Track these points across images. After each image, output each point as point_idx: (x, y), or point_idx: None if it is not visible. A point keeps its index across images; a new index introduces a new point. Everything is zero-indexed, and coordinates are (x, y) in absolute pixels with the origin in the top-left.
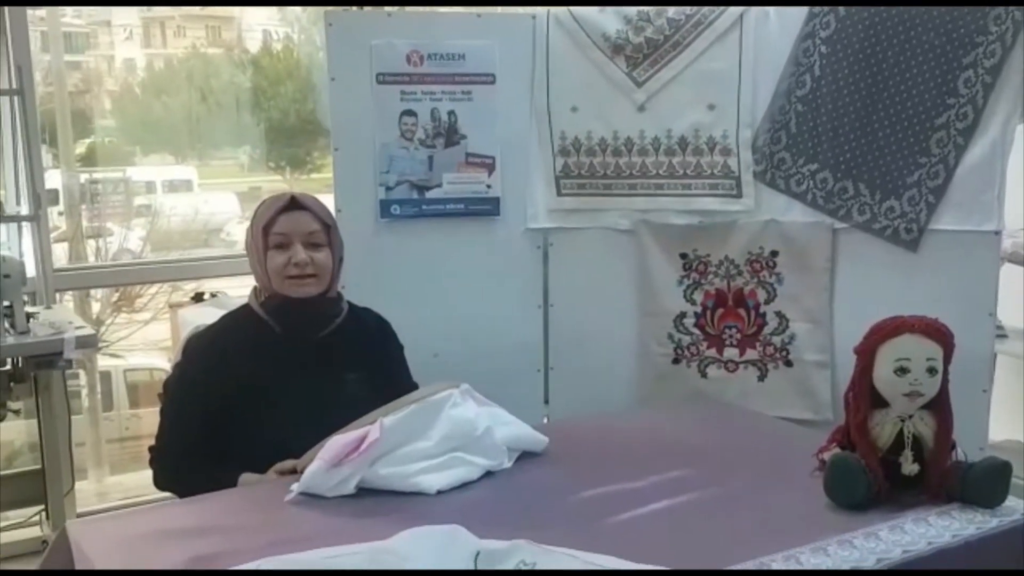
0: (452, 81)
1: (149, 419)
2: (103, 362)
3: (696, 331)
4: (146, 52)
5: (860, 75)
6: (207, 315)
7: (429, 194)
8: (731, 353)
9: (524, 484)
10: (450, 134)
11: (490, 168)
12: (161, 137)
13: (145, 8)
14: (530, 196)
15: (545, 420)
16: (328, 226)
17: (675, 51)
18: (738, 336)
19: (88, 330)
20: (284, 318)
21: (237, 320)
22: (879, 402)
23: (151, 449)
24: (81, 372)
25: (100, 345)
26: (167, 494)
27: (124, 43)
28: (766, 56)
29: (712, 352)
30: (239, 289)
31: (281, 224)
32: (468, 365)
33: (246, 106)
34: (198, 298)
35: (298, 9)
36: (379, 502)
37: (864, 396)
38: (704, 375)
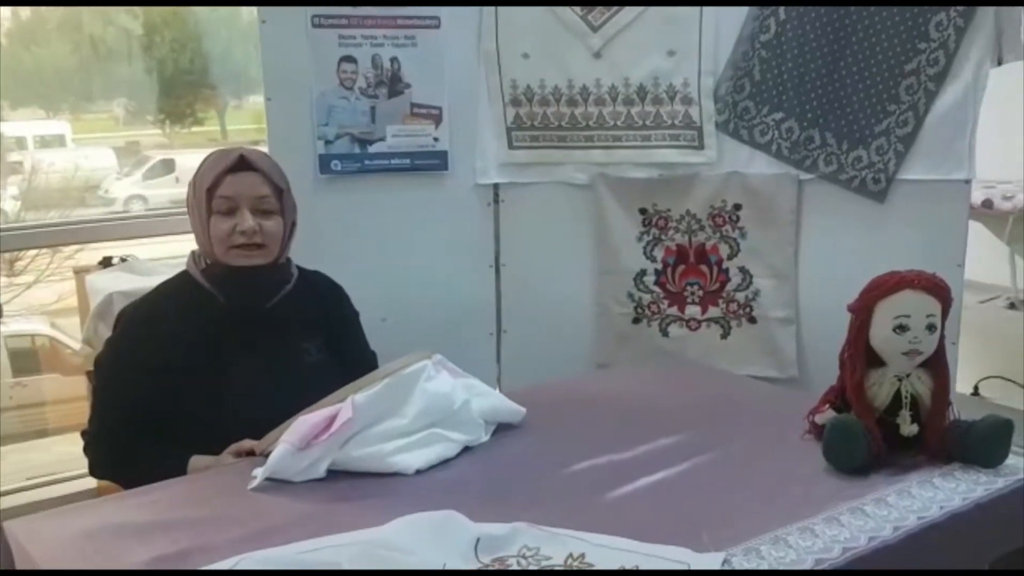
0: (394, 24)
1: (35, 387)
2: None
3: (657, 289)
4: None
5: (827, 19)
6: (120, 281)
7: (372, 148)
8: (693, 311)
9: (507, 459)
10: (393, 83)
11: (437, 120)
12: (31, 90)
13: None
14: (480, 149)
15: (497, 387)
16: (281, 190)
17: None
18: (700, 293)
19: None
20: (229, 288)
21: (176, 289)
22: (874, 361)
23: (84, 434)
24: None
25: None
26: (81, 471)
27: None
28: None
29: (674, 310)
30: (144, 251)
31: (227, 186)
32: (417, 329)
33: (121, 56)
34: (106, 263)
35: None
36: (353, 485)
37: (860, 355)
38: (666, 334)
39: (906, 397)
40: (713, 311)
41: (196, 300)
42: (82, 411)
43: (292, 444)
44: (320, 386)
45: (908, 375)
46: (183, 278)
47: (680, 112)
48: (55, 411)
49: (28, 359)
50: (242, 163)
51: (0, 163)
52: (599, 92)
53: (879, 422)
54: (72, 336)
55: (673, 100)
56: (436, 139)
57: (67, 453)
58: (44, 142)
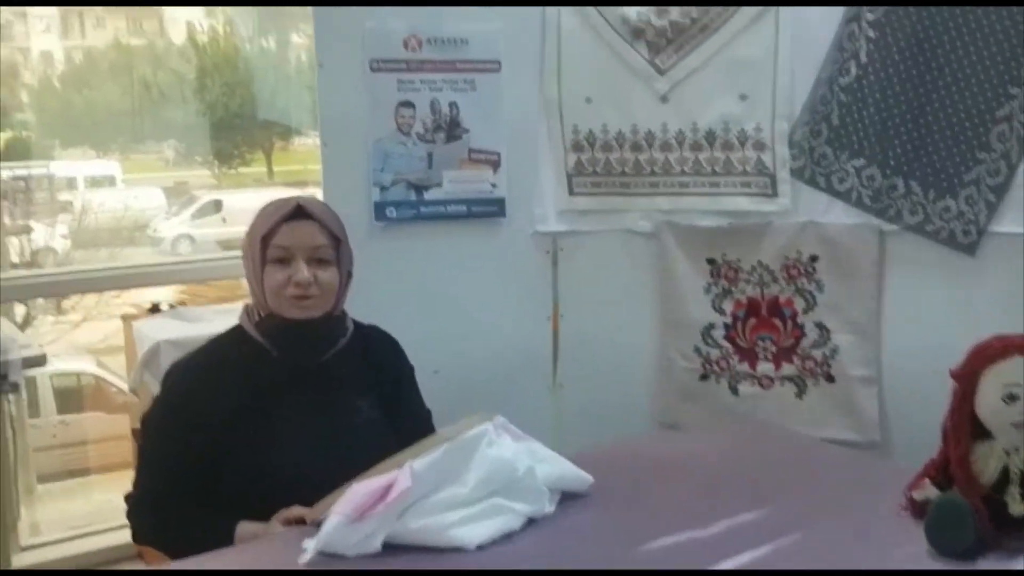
0: (454, 69)
1: (77, 426)
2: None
3: (726, 343)
4: (65, 44)
5: (912, 61)
6: (168, 329)
7: (428, 194)
8: (765, 368)
9: (575, 533)
10: (451, 128)
11: (495, 165)
12: (82, 131)
13: None
14: (539, 196)
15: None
16: (338, 240)
17: (703, 35)
18: (773, 349)
19: (35, 349)
20: (281, 341)
21: (227, 344)
22: (980, 432)
23: (128, 498)
24: None
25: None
26: (122, 523)
27: (41, 35)
28: (805, 41)
29: (744, 367)
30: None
31: (283, 235)
32: (470, 382)
33: (171, 99)
34: (155, 309)
35: None
36: (412, 560)
37: (965, 426)
38: (735, 392)
39: (1016, 473)
40: (787, 368)
41: (247, 355)
42: (125, 450)
43: (346, 515)
44: (372, 447)
45: (1018, 449)
46: (235, 332)
47: (752, 158)
48: (98, 450)
49: (73, 397)
50: (299, 212)
51: (51, 203)
52: (665, 137)
53: (985, 500)
54: (118, 375)
55: (744, 145)
56: (494, 185)
57: (108, 502)
58: (95, 182)
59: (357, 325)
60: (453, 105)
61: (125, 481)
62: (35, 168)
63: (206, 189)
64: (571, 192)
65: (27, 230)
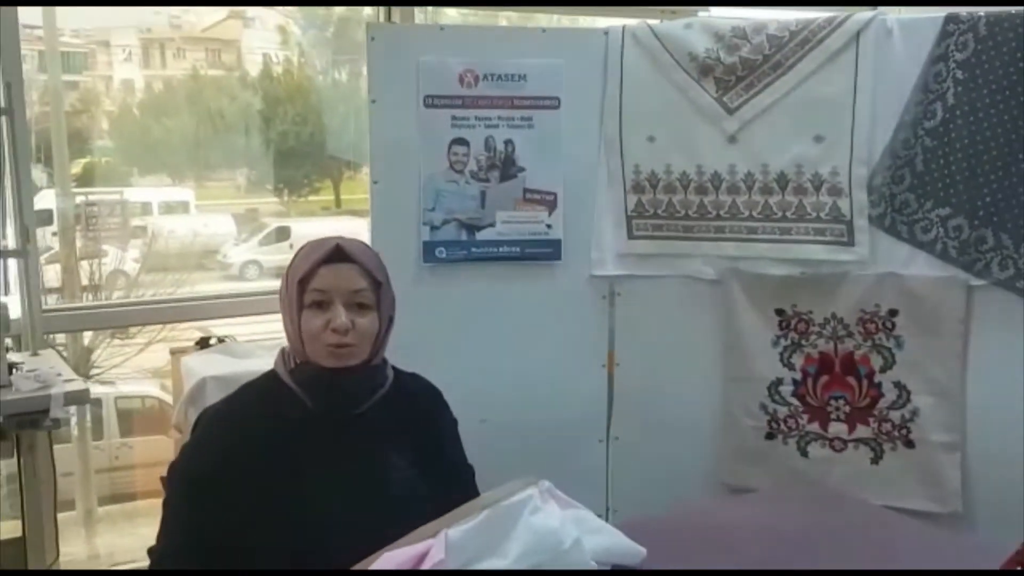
0: (511, 105)
1: (140, 448)
2: (94, 389)
3: (795, 401)
4: (145, 73)
5: (1003, 104)
6: (215, 364)
7: (480, 235)
8: (838, 429)
9: None
10: (506, 166)
11: (551, 206)
12: (159, 158)
13: (145, 29)
14: (596, 238)
15: (608, 504)
16: (379, 283)
17: (776, 73)
18: (847, 409)
19: (78, 384)
20: (316, 390)
21: (260, 392)
22: None
23: (151, 552)
24: None
25: (91, 372)
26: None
27: (123, 64)
28: (887, 80)
29: (814, 427)
30: (245, 327)
31: (321, 279)
32: (518, 433)
33: (245, 128)
34: (203, 343)
35: (299, 33)
36: None
37: None
38: (805, 454)
39: None
40: (862, 431)
41: (281, 405)
42: None
43: None
44: (409, 506)
45: None
46: (269, 380)
47: (827, 204)
48: (156, 473)
49: (138, 420)
50: (338, 254)
51: (124, 227)
52: (733, 179)
53: None
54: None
55: (819, 190)
56: (549, 226)
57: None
58: (169, 208)
59: (397, 373)
60: (509, 143)
61: None
62: (110, 194)
63: (274, 217)
64: (631, 235)
65: (100, 254)
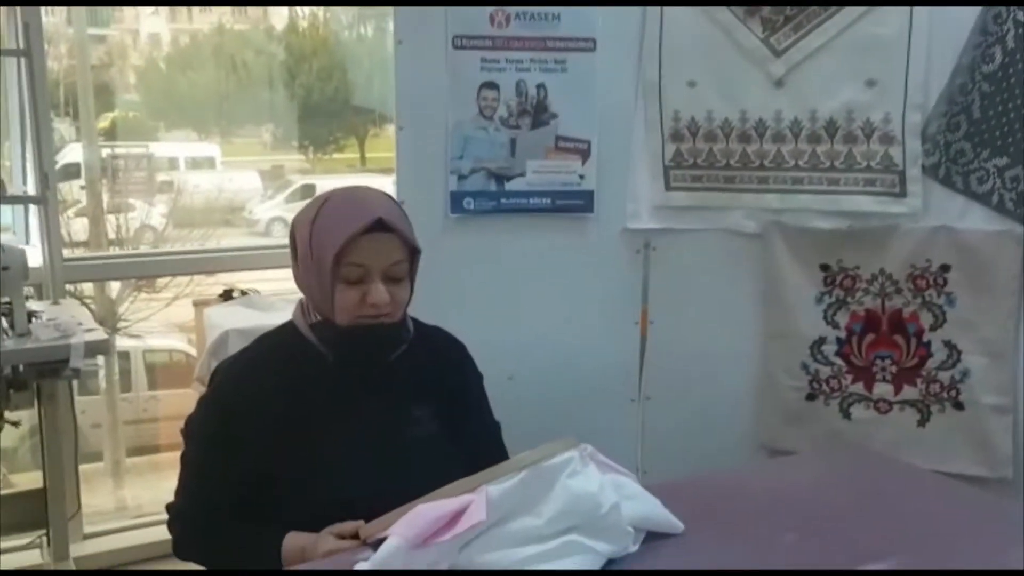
0: (543, 47)
1: (167, 401)
2: (121, 342)
3: (838, 361)
4: (171, 27)
5: None
6: (237, 316)
7: (509, 185)
8: (883, 390)
9: None
10: (538, 112)
11: (584, 155)
12: (185, 113)
13: None
14: (631, 190)
15: (639, 465)
16: (415, 251)
17: (826, 13)
18: (893, 369)
19: (100, 333)
20: (339, 347)
21: (278, 344)
22: None
23: (170, 507)
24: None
25: (119, 326)
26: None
27: (150, 17)
28: (944, 22)
29: (858, 387)
30: (270, 283)
31: (361, 252)
32: (546, 391)
33: (270, 82)
34: (227, 296)
35: None
36: None
37: None
38: (847, 416)
39: None
40: (909, 392)
41: (300, 357)
42: None
43: (407, 539)
44: (432, 462)
45: None
46: (287, 332)
47: (878, 152)
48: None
49: (165, 374)
50: (380, 226)
51: (150, 182)
52: (779, 127)
53: None
54: None
55: (870, 138)
56: (582, 176)
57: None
58: (195, 163)
59: (418, 326)
60: (541, 87)
61: None
62: (136, 148)
63: (300, 174)
64: (668, 186)
65: (126, 208)
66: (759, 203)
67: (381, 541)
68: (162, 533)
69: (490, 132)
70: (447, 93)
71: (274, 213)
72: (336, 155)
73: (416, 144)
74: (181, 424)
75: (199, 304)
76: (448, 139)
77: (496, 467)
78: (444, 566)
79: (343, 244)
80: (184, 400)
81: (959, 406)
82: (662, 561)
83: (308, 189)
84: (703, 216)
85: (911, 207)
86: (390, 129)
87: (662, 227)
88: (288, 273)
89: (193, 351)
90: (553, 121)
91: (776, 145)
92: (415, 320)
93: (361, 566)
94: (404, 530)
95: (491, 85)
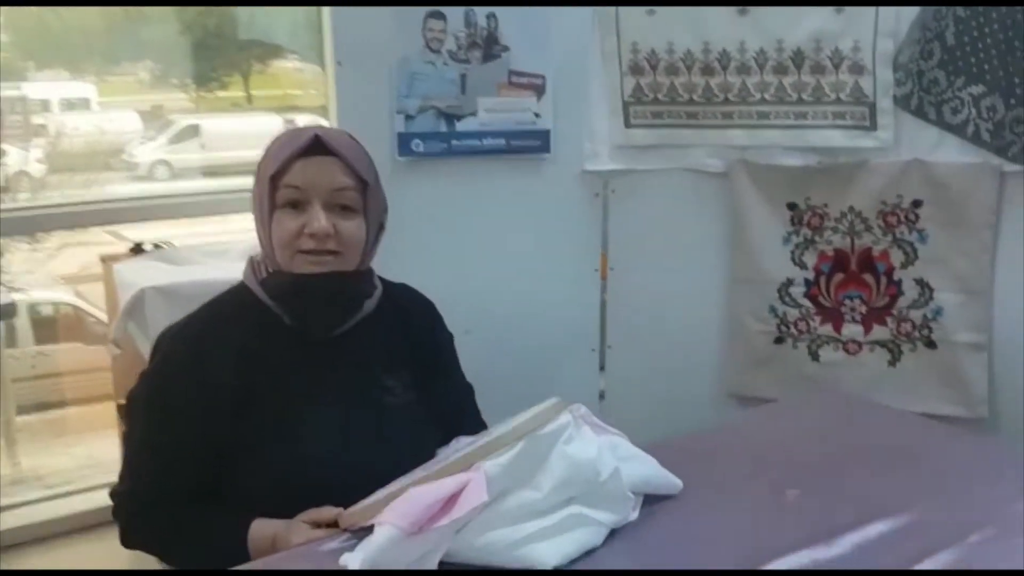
0: None
1: (57, 357)
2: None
3: (806, 303)
4: None
5: None
6: (152, 273)
7: (460, 125)
8: (852, 331)
9: (667, 548)
10: (489, 45)
11: (539, 91)
12: (57, 51)
13: None
14: (589, 128)
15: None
16: (365, 183)
17: None
18: (863, 309)
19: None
20: (294, 304)
21: (230, 307)
22: None
23: (115, 495)
24: None
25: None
26: (100, 482)
27: None
28: None
29: (827, 329)
30: (168, 231)
31: (297, 173)
32: (506, 344)
33: (147, 17)
34: (137, 250)
35: None
36: None
37: None
38: (816, 358)
39: None
40: (879, 332)
41: (254, 322)
42: (103, 383)
43: (400, 528)
44: (405, 435)
45: None
46: (238, 292)
47: (847, 83)
48: (76, 381)
49: (51, 328)
50: (317, 146)
51: (25, 126)
52: (743, 58)
53: None
54: (96, 305)
55: (839, 68)
56: (537, 115)
57: (89, 458)
58: (69, 104)
59: (385, 285)
60: (491, 17)
61: (105, 423)
62: (6, 90)
63: (183, 113)
64: (627, 124)
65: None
66: (724, 140)
67: (363, 530)
68: (69, 506)
69: (438, 67)
70: (391, 25)
71: (157, 156)
72: (220, 93)
73: (356, 81)
74: (78, 380)
75: (107, 260)
76: (392, 75)
77: (490, 440)
78: (441, 552)
79: (279, 164)
80: (76, 355)
81: (931, 345)
82: (665, 531)
83: (192, 129)
84: (665, 155)
85: (882, 141)
86: (278, 64)
87: (622, 168)
88: (195, 225)
89: (82, 304)
90: (505, 55)
91: (741, 77)
92: (382, 279)
93: (347, 558)
94: (397, 518)
95: (437, 15)
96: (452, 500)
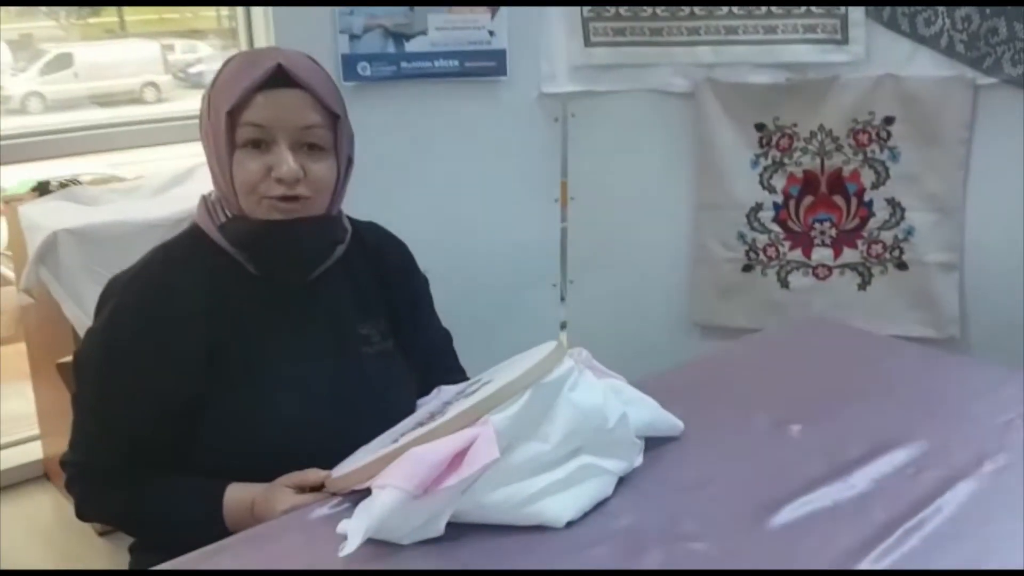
0: None
1: None
2: None
3: (776, 228)
4: None
5: None
6: (63, 214)
7: (410, 46)
8: (822, 255)
9: (678, 493)
10: None
11: (493, 7)
12: None
13: None
14: (547, 47)
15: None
16: (336, 116)
17: None
18: (833, 232)
19: None
20: (259, 251)
21: (184, 253)
22: None
23: (66, 464)
24: None
25: None
26: (23, 436)
27: None
28: None
29: (796, 254)
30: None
31: (259, 109)
32: (463, 280)
33: None
34: (43, 189)
35: None
36: (484, 550)
37: None
38: (785, 285)
39: None
40: (850, 255)
41: (214, 268)
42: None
43: (406, 492)
44: (387, 388)
45: None
46: (193, 237)
47: None
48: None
49: None
50: (280, 76)
51: None
52: None
53: None
54: None
55: None
56: (492, 33)
57: (9, 411)
58: None
59: (353, 224)
60: None
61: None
62: None
63: (53, 42)
64: (587, 42)
65: None
66: (689, 57)
67: (355, 493)
68: None
69: None
70: None
71: (29, 87)
72: (92, 20)
73: None
74: None
75: (11, 201)
76: None
77: (494, 393)
78: (448, 514)
79: (238, 98)
80: None
81: (902, 266)
82: (675, 476)
83: (65, 59)
84: (627, 75)
85: (853, 55)
86: None
87: (582, 90)
88: (99, 160)
89: None
90: None
91: None
92: (351, 219)
93: (346, 524)
94: (402, 480)
95: None
96: (459, 458)
